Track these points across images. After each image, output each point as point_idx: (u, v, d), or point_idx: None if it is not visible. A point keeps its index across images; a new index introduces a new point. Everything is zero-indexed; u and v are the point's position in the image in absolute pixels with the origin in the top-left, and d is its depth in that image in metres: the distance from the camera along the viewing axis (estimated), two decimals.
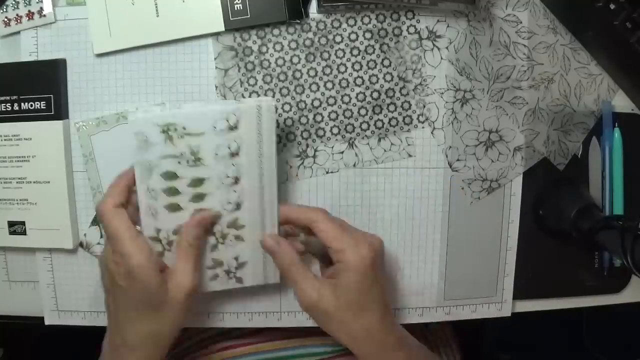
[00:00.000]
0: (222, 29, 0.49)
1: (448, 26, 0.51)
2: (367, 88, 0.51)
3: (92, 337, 0.49)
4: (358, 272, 0.43)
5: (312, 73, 0.50)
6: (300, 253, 0.47)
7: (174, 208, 0.44)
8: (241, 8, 0.48)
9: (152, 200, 0.43)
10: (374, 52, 0.50)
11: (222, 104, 0.48)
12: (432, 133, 0.52)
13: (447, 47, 0.51)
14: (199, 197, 0.44)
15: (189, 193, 0.44)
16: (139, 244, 0.42)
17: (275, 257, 0.46)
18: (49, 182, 0.51)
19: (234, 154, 0.44)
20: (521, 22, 0.52)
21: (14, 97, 0.50)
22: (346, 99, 0.51)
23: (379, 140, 0.51)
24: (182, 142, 0.42)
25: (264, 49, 0.50)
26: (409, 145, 0.52)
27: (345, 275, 0.44)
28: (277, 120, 0.47)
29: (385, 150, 0.52)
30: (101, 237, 0.52)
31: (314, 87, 0.50)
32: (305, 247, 0.48)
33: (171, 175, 0.43)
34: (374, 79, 0.51)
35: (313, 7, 0.50)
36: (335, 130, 0.51)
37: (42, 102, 0.50)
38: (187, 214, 0.44)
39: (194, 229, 0.44)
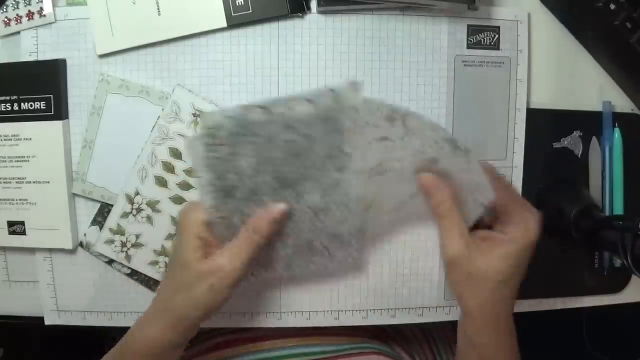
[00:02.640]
0: (224, 25, 0.49)
1: None
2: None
3: (92, 337, 0.49)
4: (521, 250, 0.41)
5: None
6: None
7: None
8: (242, 3, 0.49)
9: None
10: None
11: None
12: None
13: None
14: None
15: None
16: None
17: (433, 195, 0.43)
18: (48, 182, 0.51)
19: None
20: None
21: (14, 97, 0.50)
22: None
23: None
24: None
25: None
26: None
27: (506, 247, 0.41)
28: None
29: None
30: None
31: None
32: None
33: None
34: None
35: (313, 8, 0.50)
36: None
37: (42, 102, 0.50)
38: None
39: (267, 225, 0.43)
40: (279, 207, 0.43)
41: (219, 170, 0.42)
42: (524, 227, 0.41)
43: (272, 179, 0.43)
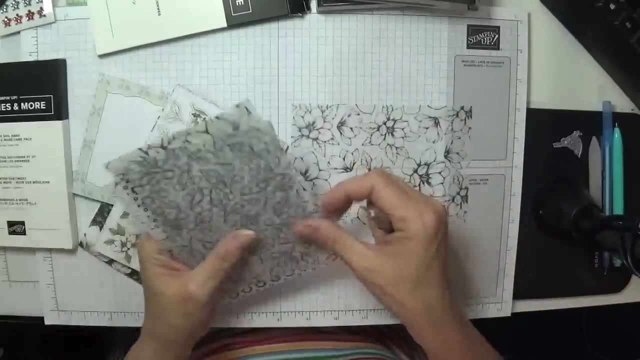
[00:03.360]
0: (225, 24, 0.49)
1: None
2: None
3: (92, 337, 0.49)
4: (421, 242, 0.40)
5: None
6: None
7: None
8: (242, 3, 0.49)
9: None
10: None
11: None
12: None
13: None
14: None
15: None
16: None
17: (316, 240, 0.43)
18: (48, 182, 0.51)
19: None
20: None
21: (14, 97, 0.50)
22: None
23: None
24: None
25: None
26: None
27: (406, 245, 0.40)
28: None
29: None
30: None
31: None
32: (376, 223, 0.44)
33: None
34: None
35: (313, 8, 0.50)
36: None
37: (42, 102, 0.50)
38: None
39: (235, 251, 0.43)
40: (247, 234, 0.44)
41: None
42: (418, 219, 0.39)
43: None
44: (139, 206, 0.43)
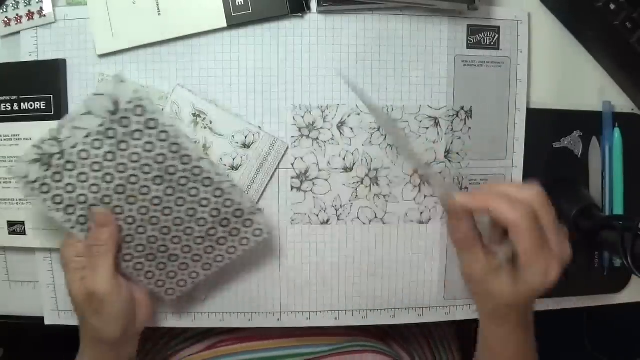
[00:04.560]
0: (225, 25, 0.49)
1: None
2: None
3: None
4: (536, 291, 0.41)
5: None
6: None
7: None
8: (242, 3, 0.49)
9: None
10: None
11: (247, 123, 0.49)
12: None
13: None
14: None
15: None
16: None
17: (456, 223, 0.42)
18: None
19: (234, 168, 0.45)
20: None
21: (14, 97, 0.50)
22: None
23: None
24: (202, 132, 0.44)
25: None
26: None
27: (523, 287, 0.41)
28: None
29: None
30: None
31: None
32: (492, 231, 0.43)
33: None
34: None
35: (313, 8, 0.50)
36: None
37: (42, 102, 0.50)
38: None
39: (99, 234, 0.44)
40: (98, 210, 0.44)
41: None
42: (542, 274, 0.39)
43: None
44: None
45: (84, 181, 0.43)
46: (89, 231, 0.45)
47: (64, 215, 0.44)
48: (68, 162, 0.43)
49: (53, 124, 0.45)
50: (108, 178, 0.43)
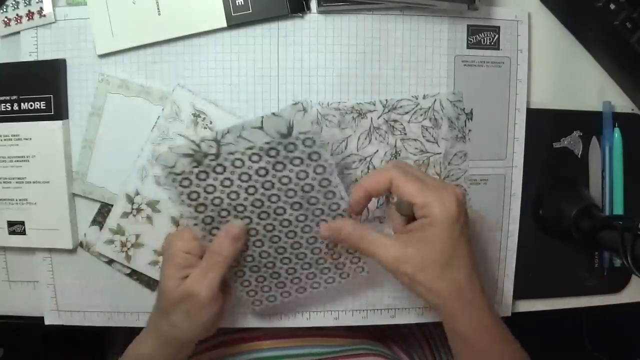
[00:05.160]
0: (225, 25, 0.49)
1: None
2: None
3: (92, 337, 0.49)
4: (445, 225, 0.40)
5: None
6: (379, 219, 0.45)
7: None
8: (242, 3, 0.49)
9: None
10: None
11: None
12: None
13: None
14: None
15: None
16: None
17: (342, 240, 0.44)
18: (48, 182, 0.51)
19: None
20: None
21: (14, 97, 0.50)
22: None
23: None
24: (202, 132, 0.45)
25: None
26: None
27: (431, 231, 0.41)
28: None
29: None
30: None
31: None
32: (398, 209, 0.45)
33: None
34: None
35: (313, 8, 0.50)
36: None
37: (42, 102, 0.50)
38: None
39: (228, 244, 0.44)
40: (236, 224, 0.44)
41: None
42: (440, 204, 0.40)
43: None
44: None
45: (227, 186, 0.43)
46: (216, 237, 0.44)
47: (193, 212, 0.44)
48: (219, 165, 0.43)
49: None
50: (251, 190, 0.43)
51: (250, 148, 0.42)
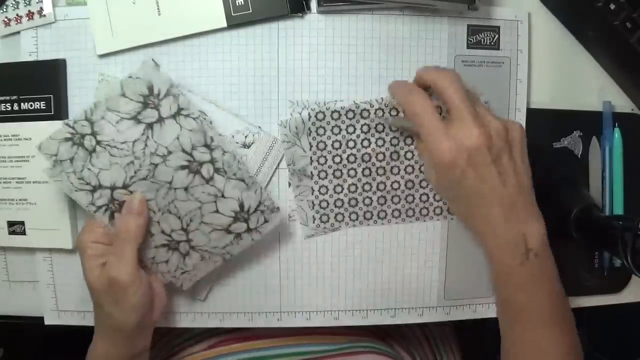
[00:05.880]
0: (225, 25, 0.49)
1: None
2: (402, 177, 0.52)
3: (92, 337, 0.49)
4: (439, 168, 0.42)
5: (351, 159, 0.51)
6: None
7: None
8: (242, 3, 0.49)
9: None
10: (412, 143, 0.51)
11: (247, 123, 0.50)
12: None
13: None
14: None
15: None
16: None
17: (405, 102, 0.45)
18: (48, 182, 0.51)
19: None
20: None
21: (14, 97, 0.50)
22: (381, 186, 0.52)
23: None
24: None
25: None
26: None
27: (435, 167, 0.43)
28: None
29: None
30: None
31: (352, 173, 0.51)
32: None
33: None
34: (409, 169, 0.52)
35: (313, 8, 0.50)
36: (368, 215, 0.52)
37: (42, 102, 0.50)
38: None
39: (131, 222, 0.44)
40: (135, 198, 0.45)
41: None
42: (437, 146, 0.41)
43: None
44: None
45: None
46: (118, 218, 0.45)
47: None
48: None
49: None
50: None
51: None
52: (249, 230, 0.47)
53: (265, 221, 0.47)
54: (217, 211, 0.46)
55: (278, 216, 0.47)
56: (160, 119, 0.44)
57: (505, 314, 0.47)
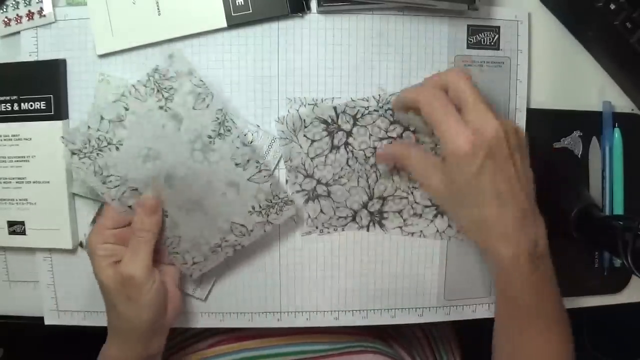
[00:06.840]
0: (225, 25, 0.49)
1: None
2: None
3: (92, 337, 0.49)
4: (455, 161, 0.40)
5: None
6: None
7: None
8: (242, 3, 0.49)
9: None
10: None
11: (246, 122, 0.50)
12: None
13: None
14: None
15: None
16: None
17: (397, 160, 0.47)
18: (48, 182, 0.51)
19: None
20: None
21: (14, 97, 0.50)
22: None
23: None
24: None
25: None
26: None
27: (447, 163, 0.41)
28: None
29: None
30: None
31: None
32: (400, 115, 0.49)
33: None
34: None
35: (313, 8, 0.50)
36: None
37: (42, 102, 0.50)
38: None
39: (146, 220, 0.45)
40: (149, 196, 0.45)
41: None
42: (452, 139, 0.40)
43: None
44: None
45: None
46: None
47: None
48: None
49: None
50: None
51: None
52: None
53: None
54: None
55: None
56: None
57: (511, 316, 0.46)
